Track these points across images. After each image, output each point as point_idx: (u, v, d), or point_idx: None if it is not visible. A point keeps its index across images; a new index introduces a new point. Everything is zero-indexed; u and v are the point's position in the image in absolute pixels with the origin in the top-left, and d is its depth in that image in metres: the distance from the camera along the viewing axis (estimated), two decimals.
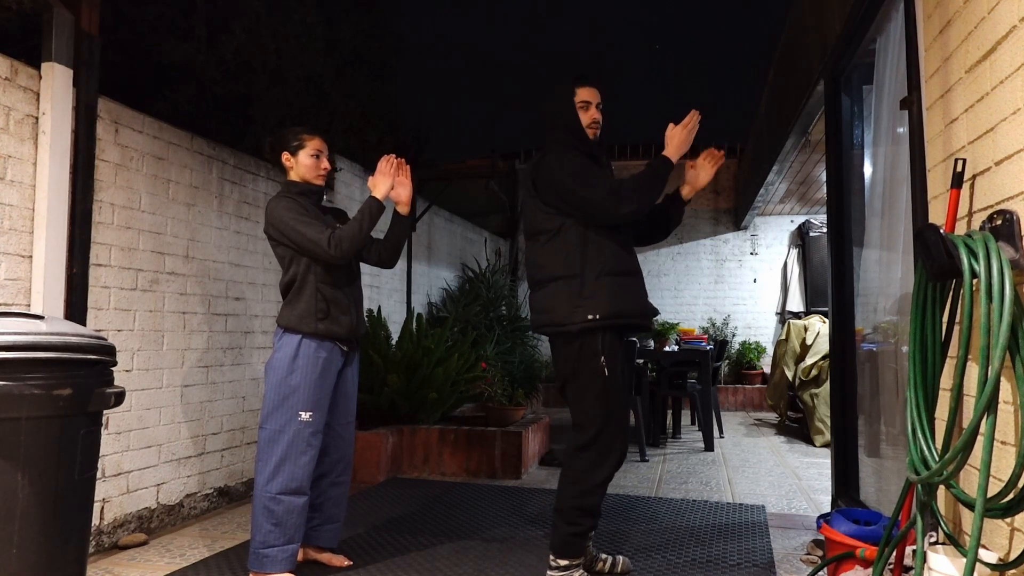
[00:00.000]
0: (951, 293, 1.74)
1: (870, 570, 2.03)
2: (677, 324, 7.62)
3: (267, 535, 2.38)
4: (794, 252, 8.51)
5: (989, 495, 1.46)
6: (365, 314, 4.84)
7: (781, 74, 5.15)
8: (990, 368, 1.43)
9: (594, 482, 2.37)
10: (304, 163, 2.59)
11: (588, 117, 2.49)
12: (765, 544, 2.97)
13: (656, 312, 2.50)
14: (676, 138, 2.44)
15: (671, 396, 5.99)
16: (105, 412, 2.19)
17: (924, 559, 1.67)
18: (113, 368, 2.04)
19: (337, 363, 2.55)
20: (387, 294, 5.71)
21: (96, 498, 2.75)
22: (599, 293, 2.35)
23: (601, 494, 2.40)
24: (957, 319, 1.75)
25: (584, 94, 2.49)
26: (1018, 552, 1.52)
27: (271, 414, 2.43)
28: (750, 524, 3.30)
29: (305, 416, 2.41)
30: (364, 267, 5.42)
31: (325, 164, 2.63)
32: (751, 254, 8.82)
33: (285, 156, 2.60)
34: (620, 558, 2.63)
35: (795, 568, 2.70)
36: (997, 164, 1.65)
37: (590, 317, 2.32)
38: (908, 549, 1.88)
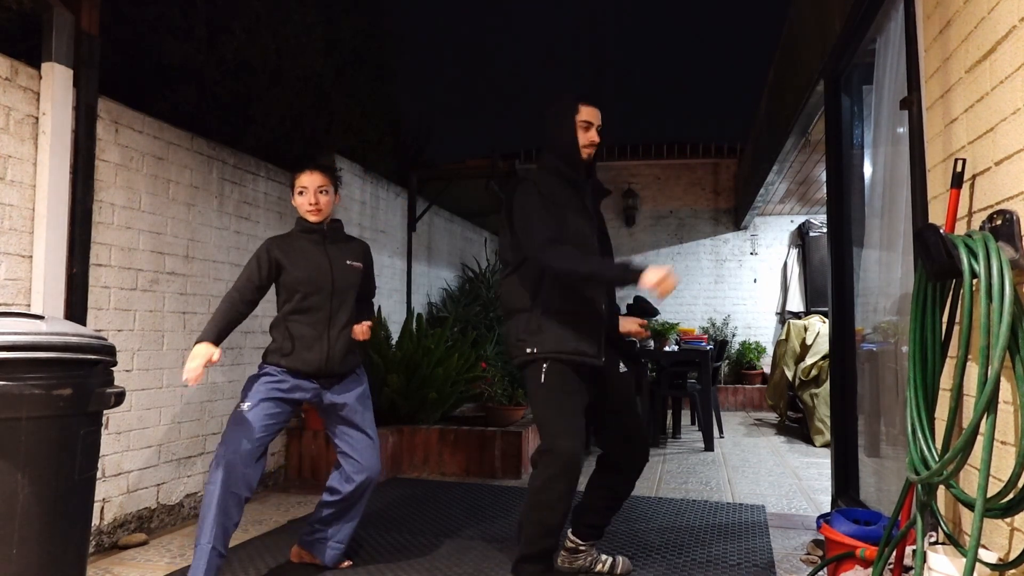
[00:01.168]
0: (951, 293, 1.74)
1: (870, 570, 2.03)
2: (677, 324, 7.61)
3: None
4: (794, 252, 8.51)
5: (989, 495, 1.46)
6: None
7: (781, 74, 5.15)
8: (990, 368, 1.43)
9: (549, 494, 2.30)
10: (296, 202, 2.64)
11: (587, 138, 2.43)
12: (765, 544, 2.98)
13: (601, 357, 2.41)
14: (664, 283, 2.16)
15: (671, 396, 5.99)
16: (105, 412, 2.19)
17: (924, 559, 1.67)
18: (113, 368, 2.04)
19: (303, 393, 2.55)
20: (387, 294, 5.71)
21: (96, 498, 2.75)
22: (543, 329, 2.35)
23: (562, 512, 2.33)
24: (957, 319, 1.75)
25: (586, 113, 2.42)
26: (1018, 552, 1.52)
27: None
28: (750, 524, 3.30)
29: (243, 406, 2.43)
30: None
31: (311, 199, 2.58)
32: (751, 254, 8.82)
33: (292, 198, 2.67)
34: (620, 559, 2.63)
35: (795, 568, 2.70)
36: (997, 164, 1.65)
37: (528, 351, 2.35)
38: (908, 549, 1.88)
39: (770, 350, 8.38)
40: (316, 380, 2.56)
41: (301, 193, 2.60)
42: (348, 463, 2.62)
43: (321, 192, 2.61)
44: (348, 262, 2.64)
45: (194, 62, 4.40)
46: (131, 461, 3.10)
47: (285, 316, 2.57)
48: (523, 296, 2.42)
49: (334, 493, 2.61)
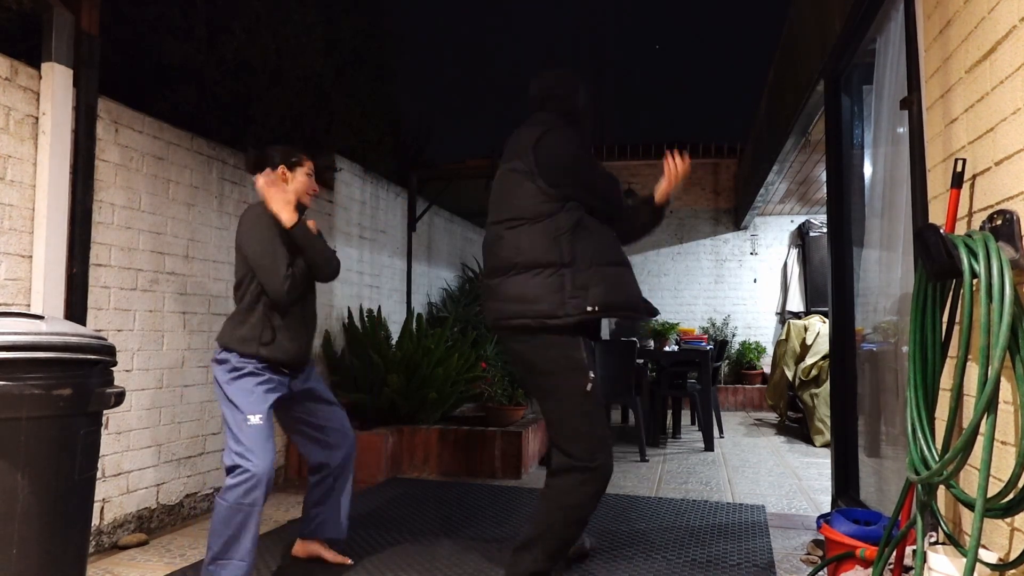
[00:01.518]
0: (951, 293, 1.74)
1: (870, 570, 2.03)
2: (677, 324, 7.61)
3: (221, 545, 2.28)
4: (794, 252, 8.51)
5: (989, 495, 1.46)
6: (364, 314, 4.87)
7: (781, 74, 5.15)
8: (990, 368, 1.43)
9: (586, 511, 2.20)
10: (301, 180, 2.57)
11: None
12: (765, 544, 2.97)
13: (654, 308, 2.39)
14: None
15: (671, 396, 5.99)
16: (105, 412, 2.19)
17: (924, 559, 1.67)
18: (113, 368, 2.04)
19: (279, 383, 2.47)
20: (387, 294, 5.71)
21: (96, 498, 2.75)
22: (594, 283, 2.18)
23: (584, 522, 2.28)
24: (957, 319, 1.75)
25: None
26: (1018, 552, 1.52)
27: (227, 432, 2.36)
28: (750, 524, 3.30)
29: (254, 419, 2.33)
30: (363, 266, 5.40)
31: (315, 186, 2.64)
32: (751, 254, 8.82)
33: (282, 170, 2.53)
34: (584, 536, 2.71)
35: (795, 568, 2.70)
36: (997, 164, 1.65)
37: (589, 308, 2.15)
38: (908, 549, 1.88)
39: (770, 350, 8.38)
40: (288, 370, 2.50)
41: (310, 175, 2.61)
42: (329, 434, 2.62)
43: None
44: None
45: (194, 62, 4.41)
46: (131, 461, 3.10)
47: (267, 306, 2.44)
48: (557, 248, 2.21)
49: (323, 469, 2.63)
